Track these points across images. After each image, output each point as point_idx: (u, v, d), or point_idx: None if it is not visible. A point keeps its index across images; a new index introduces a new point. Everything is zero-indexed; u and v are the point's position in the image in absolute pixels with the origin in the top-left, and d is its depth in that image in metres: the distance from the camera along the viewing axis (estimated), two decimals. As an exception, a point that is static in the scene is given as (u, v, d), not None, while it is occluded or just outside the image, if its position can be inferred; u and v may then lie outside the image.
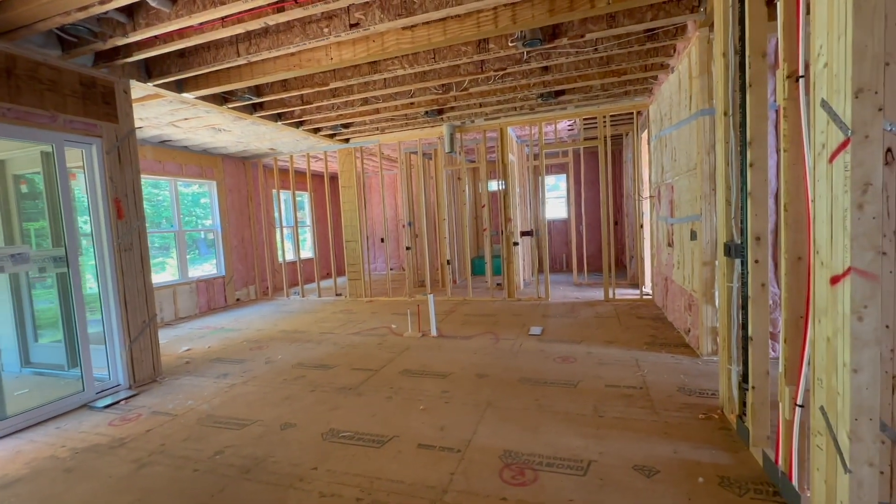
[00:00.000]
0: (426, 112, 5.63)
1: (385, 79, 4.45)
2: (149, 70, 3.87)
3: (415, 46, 3.47)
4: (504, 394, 3.09)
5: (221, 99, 4.65)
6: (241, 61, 3.57)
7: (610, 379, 3.24)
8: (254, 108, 5.09)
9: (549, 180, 9.95)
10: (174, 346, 4.99)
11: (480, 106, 5.59)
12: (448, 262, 7.40)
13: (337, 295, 7.70)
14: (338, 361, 4.04)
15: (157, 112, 4.84)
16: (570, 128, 7.26)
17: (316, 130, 6.30)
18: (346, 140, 7.09)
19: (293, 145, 7.09)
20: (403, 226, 8.20)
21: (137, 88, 4.01)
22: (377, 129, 6.46)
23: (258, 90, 4.60)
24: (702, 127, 3.47)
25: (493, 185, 9.24)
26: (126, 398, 3.43)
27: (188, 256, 7.65)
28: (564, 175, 9.63)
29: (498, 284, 7.49)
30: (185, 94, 4.23)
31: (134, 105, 4.48)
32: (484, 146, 6.56)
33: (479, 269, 8.96)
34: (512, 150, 6.89)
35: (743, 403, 2.31)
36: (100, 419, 3.09)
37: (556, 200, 10.08)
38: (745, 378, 2.28)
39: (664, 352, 3.79)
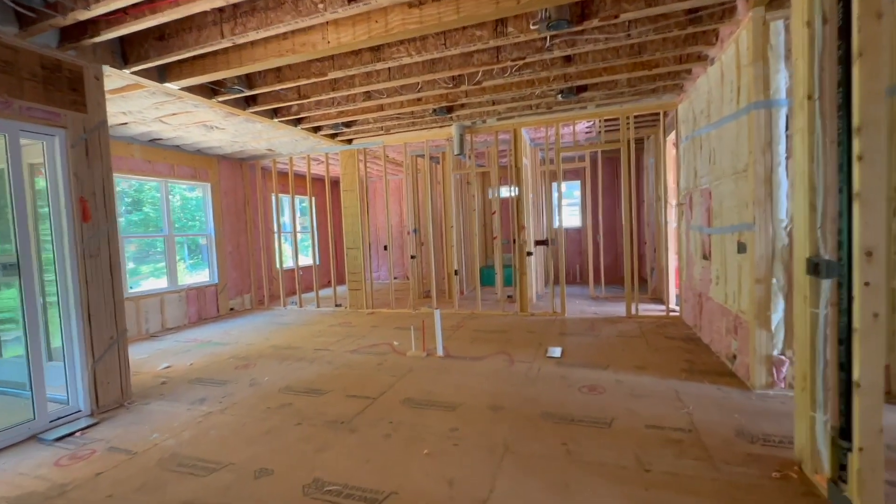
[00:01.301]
0: (434, 110, 5.19)
1: (389, 68, 4.02)
2: (125, 55, 3.45)
3: (423, 28, 3.03)
4: (524, 434, 2.59)
5: (210, 91, 4.23)
6: (227, 43, 3.15)
7: (649, 417, 2.73)
8: (246, 103, 4.66)
9: (563, 186, 9.46)
10: (154, 361, 4.53)
11: (493, 104, 5.14)
12: (455, 272, 6.92)
13: (336, 305, 7.23)
14: (331, 385, 3.55)
15: (140, 105, 4.42)
16: (587, 130, 6.79)
17: (316, 129, 5.88)
18: (349, 141, 6.66)
19: (292, 146, 6.67)
20: (408, 233, 7.73)
21: (115, 77, 3.60)
22: (381, 128, 6.03)
23: (249, 81, 4.18)
24: (755, 122, 2.98)
25: (505, 192, 8.77)
26: (84, 428, 2.96)
27: (191, 262, 7.25)
28: (579, 181, 9.14)
29: (509, 297, 6.98)
30: (168, 84, 3.81)
31: (115, 97, 4.08)
32: (496, 149, 6.10)
33: (489, 280, 8.47)
34: (525, 153, 6.43)
35: (841, 466, 1.79)
36: (46, 456, 2.61)
37: (569, 208, 9.59)
38: (843, 433, 1.77)
39: (707, 381, 3.27)
